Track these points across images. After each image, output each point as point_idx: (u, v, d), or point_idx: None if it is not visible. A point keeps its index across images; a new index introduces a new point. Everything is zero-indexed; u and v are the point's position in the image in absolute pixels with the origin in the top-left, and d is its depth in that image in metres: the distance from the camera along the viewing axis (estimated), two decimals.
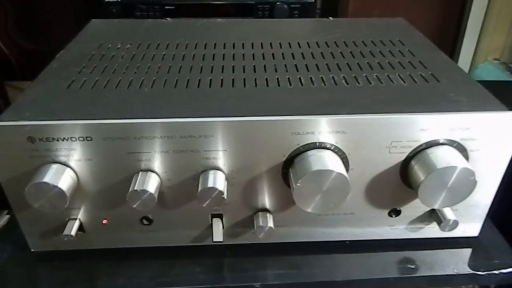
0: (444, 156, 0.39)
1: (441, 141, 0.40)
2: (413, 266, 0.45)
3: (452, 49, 1.51)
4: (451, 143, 0.40)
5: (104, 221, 0.44)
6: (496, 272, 0.44)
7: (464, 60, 1.50)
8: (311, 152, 0.39)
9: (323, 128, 0.39)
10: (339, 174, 0.38)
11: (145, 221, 0.44)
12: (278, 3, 0.97)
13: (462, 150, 0.40)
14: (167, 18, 0.63)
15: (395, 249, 0.47)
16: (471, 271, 0.45)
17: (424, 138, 0.40)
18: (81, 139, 0.38)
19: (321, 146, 0.40)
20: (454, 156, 0.39)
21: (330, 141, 0.39)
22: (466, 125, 0.39)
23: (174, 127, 0.38)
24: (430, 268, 0.45)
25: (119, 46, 0.53)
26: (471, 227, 0.47)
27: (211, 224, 0.44)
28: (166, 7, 0.98)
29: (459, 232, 0.47)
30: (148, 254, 0.45)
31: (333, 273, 0.45)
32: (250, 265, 0.45)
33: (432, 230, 0.46)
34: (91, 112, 0.39)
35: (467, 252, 0.47)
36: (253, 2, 0.98)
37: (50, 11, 1.39)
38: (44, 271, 0.44)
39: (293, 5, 0.97)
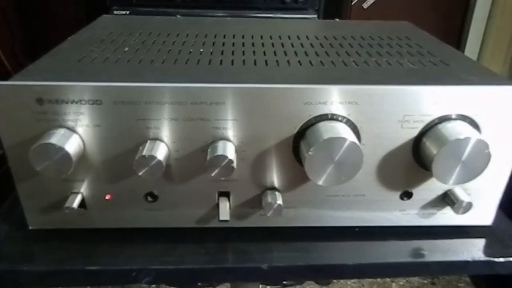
0: (457, 129, 0.38)
1: (453, 116, 0.40)
2: (426, 252, 0.43)
3: None
4: (464, 118, 0.40)
5: (107, 197, 0.42)
6: None
7: None
8: (323, 123, 0.39)
9: (335, 98, 0.38)
10: (352, 142, 0.37)
11: (150, 198, 0.42)
12: None
13: (475, 126, 0.40)
14: (177, 15, 0.64)
15: (406, 237, 0.45)
16: (487, 258, 0.43)
17: (437, 113, 0.39)
18: (90, 102, 0.37)
19: (333, 118, 0.39)
20: (467, 129, 0.39)
21: (342, 113, 0.39)
22: (478, 99, 0.39)
23: (186, 92, 0.38)
24: (444, 255, 0.43)
25: (129, 34, 0.54)
26: (484, 215, 0.46)
27: (218, 204, 0.43)
28: None
29: (472, 220, 0.45)
30: (151, 236, 0.44)
31: (343, 257, 0.43)
32: (256, 248, 0.43)
33: (444, 216, 0.45)
34: (102, 78, 0.39)
35: (481, 241, 0.45)
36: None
37: (56, 33, 1.42)
38: (41, 249, 0.42)
39: None
